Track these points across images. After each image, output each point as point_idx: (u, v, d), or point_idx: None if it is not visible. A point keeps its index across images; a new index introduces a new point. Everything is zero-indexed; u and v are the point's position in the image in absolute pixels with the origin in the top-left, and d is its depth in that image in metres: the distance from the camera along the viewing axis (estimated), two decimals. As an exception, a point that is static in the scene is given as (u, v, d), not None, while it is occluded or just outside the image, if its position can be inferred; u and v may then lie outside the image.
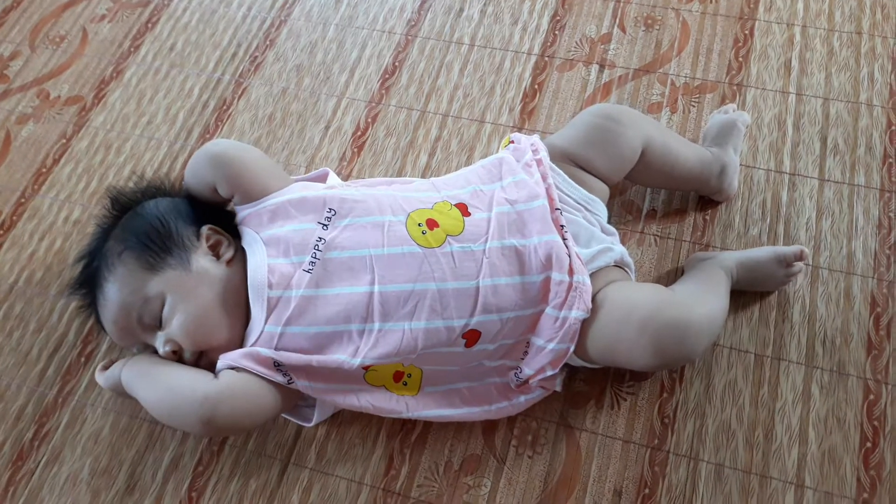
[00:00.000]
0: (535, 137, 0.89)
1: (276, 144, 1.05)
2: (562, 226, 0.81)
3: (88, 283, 0.83)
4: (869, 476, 0.78)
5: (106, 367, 0.84)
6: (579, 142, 0.87)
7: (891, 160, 0.96)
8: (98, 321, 0.84)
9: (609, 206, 0.90)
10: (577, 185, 0.85)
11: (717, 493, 0.78)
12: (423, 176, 1.00)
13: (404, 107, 1.07)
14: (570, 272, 0.78)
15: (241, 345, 0.79)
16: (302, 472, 0.83)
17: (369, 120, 1.06)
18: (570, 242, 0.80)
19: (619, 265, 0.84)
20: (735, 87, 1.04)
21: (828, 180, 0.96)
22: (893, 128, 0.99)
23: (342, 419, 0.84)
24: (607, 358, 0.80)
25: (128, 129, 1.08)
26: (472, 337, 0.78)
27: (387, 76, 1.10)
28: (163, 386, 0.76)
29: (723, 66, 1.06)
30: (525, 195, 0.82)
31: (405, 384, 0.81)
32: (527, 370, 0.80)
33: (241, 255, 0.82)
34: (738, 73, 1.05)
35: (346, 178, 1.01)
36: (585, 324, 0.77)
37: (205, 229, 0.82)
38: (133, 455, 0.85)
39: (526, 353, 0.80)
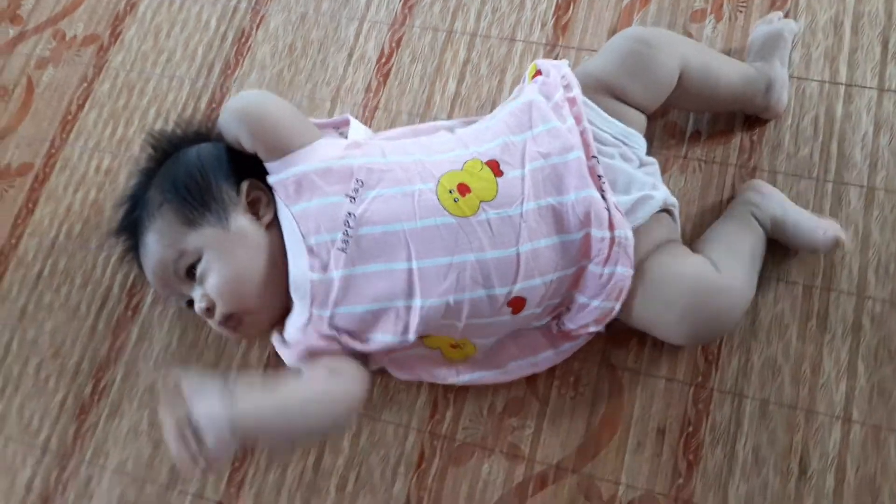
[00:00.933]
0: (565, 67, 0.83)
1: (298, 77, 1.01)
2: (599, 176, 0.76)
3: (130, 230, 0.83)
4: (918, 408, 0.77)
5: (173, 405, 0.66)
6: (612, 70, 0.81)
7: (960, 63, 0.89)
8: (140, 268, 0.84)
9: (649, 131, 0.85)
10: (613, 120, 0.80)
11: (761, 429, 0.79)
12: (452, 106, 0.96)
13: (429, 27, 1.01)
14: (612, 226, 0.75)
15: (277, 312, 0.79)
16: (337, 438, 0.85)
17: (393, 44, 1.01)
18: (609, 194, 0.76)
19: (664, 208, 0.80)
20: (788, -14, 0.95)
21: (888, 90, 0.89)
22: (965, 24, 0.90)
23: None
24: (644, 328, 0.79)
25: (148, 69, 1.05)
26: (517, 305, 0.76)
27: (409, -7, 1.03)
28: (308, 410, 0.74)
29: (775, -39, 0.97)
30: (559, 146, 0.77)
31: (461, 349, 0.80)
32: (570, 325, 0.79)
33: (277, 221, 0.81)
34: (793, -31, 0.96)
35: (373, 110, 0.98)
36: (629, 293, 0.75)
37: (245, 184, 0.80)
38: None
39: (569, 308, 0.79)
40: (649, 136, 0.85)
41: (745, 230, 0.82)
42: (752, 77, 0.87)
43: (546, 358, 0.82)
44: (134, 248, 0.83)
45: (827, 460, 0.77)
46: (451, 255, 0.74)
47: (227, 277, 0.77)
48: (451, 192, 0.76)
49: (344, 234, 0.75)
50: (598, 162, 0.77)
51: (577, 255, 0.76)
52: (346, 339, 0.77)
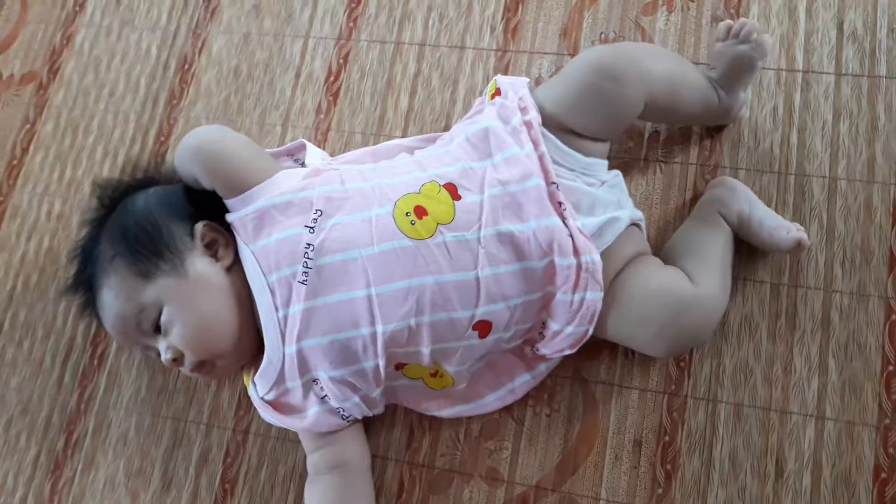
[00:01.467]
0: (523, 88, 0.80)
1: (246, 102, 0.98)
2: (559, 202, 0.75)
3: (85, 285, 0.81)
4: (891, 400, 0.77)
5: None
6: (572, 107, 0.78)
7: (916, 41, 0.87)
8: (99, 322, 0.82)
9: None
10: (571, 152, 0.78)
11: (737, 432, 0.79)
12: (406, 121, 0.94)
13: (376, 40, 0.98)
14: (577, 252, 0.74)
15: (250, 350, 0.78)
16: None
17: (340, 61, 0.98)
18: (571, 221, 0.74)
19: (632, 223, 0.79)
20: (739, -29, 0.93)
21: (845, 74, 0.87)
22: (919, -1, 0.88)
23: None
24: (620, 342, 0.79)
25: (91, 105, 1.02)
26: (483, 328, 0.75)
27: (353, 5, 1.00)
28: None
29: (724, -55, 0.94)
30: (518, 174, 0.75)
31: (441, 377, 0.79)
32: (544, 350, 0.78)
33: (239, 260, 0.78)
34: (742, -47, 0.93)
35: (325, 132, 0.95)
36: (602, 312, 0.75)
37: (199, 227, 0.77)
38: (163, 453, 0.87)
39: (542, 334, 0.78)
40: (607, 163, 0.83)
41: (714, 232, 0.81)
42: (713, 105, 0.84)
43: (523, 383, 0.82)
44: (92, 302, 0.80)
45: (803, 460, 0.77)
46: (410, 279, 0.73)
47: (193, 327, 0.75)
48: (407, 214, 0.74)
49: (304, 265, 0.74)
50: (557, 188, 0.75)
51: (541, 282, 0.74)
52: (319, 393, 0.76)
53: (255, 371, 0.78)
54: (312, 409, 0.77)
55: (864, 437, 0.77)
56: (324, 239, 0.74)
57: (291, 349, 0.74)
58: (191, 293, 0.76)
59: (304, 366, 0.75)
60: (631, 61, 0.78)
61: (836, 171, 0.84)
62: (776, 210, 0.83)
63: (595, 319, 0.75)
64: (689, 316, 0.75)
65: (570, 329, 0.75)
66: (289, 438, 0.85)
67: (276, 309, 0.74)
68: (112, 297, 0.77)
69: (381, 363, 0.74)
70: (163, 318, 0.76)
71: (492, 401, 0.81)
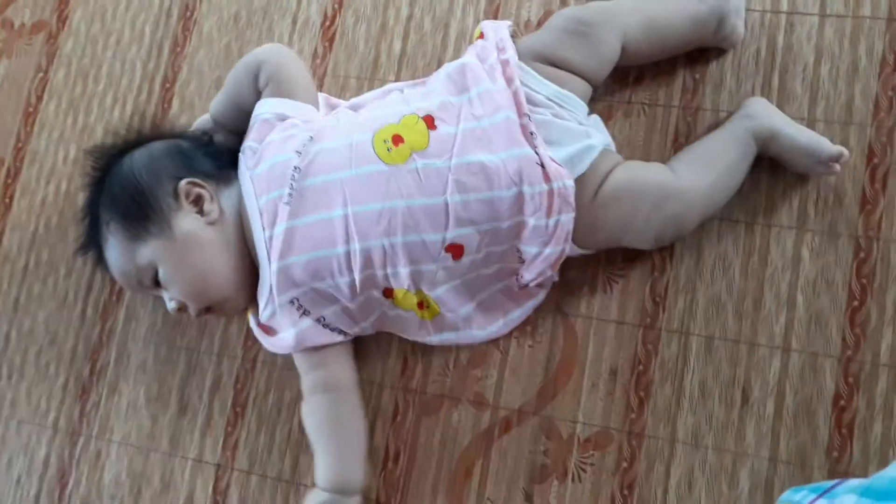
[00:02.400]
0: (504, 30, 0.84)
1: (247, 48, 1.01)
2: (531, 132, 0.79)
3: (93, 244, 0.87)
4: (854, 334, 0.82)
5: None
6: (551, 44, 0.83)
7: (902, -21, 0.87)
8: (112, 276, 0.89)
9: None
10: (546, 82, 0.82)
11: (707, 364, 0.84)
12: (399, 66, 0.97)
13: (371, -16, 1.00)
14: (547, 179, 0.78)
15: (252, 288, 0.84)
16: None
17: (336, 5, 1.01)
18: (542, 150, 0.79)
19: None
20: None
21: (829, 15, 0.88)
22: (909, -64, 0.88)
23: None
24: (611, 244, 0.84)
25: (99, 53, 1.06)
26: (455, 250, 0.81)
27: (348, -50, 1.02)
28: (358, 436, 0.88)
29: None
30: (490, 109, 0.80)
31: (427, 307, 0.85)
32: (527, 276, 0.83)
33: (235, 196, 0.85)
34: None
35: (321, 77, 0.99)
36: (594, 217, 0.80)
37: (182, 185, 0.83)
38: (179, 380, 0.95)
39: (522, 260, 0.83)
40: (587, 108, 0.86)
41: (727, 141, 0.83)
42: (703, 17, 0.86)
43: (513, 318, 0.87)
44: (101, 259, 0.87)
45: (767, 388, 0.82)
46: (383, 201, 0.79)
47: (188, 282, 0.82)
48: (385, 141, 0.80)
49: (290, 187, 0.80)
50: (530, 119, 0.80)
51: (510, 210, 0.79)
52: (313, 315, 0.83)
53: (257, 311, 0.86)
54: (299, 325, 0.83)
55: (826, 367, 0.82)
56: (309, 162, 0.80)
57: (275, 266, 0.81)
58: (181, 252, 0.82)
59: (288, 282, 0.81)
60: (600, 9, 0.85)
61: (815, 114, 0.87)
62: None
63: (569, 238, 0.80)
64: (669, 205, 0.80)
65: (548, 250, 0.80)
66: (293, 368, 0.92)
67: (263, 229, 0.81)
68: (113, 258, 0.84)
69: (358, 278, 0.80)
70: (160, 276, 0.83)
71: (482, 334, 0.87)
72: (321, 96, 0.91)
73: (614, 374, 0.86)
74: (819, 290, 0.83)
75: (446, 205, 0.78)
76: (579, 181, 0.80)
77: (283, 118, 0.84)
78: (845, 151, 0.81)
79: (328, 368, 0.86)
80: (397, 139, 0.80)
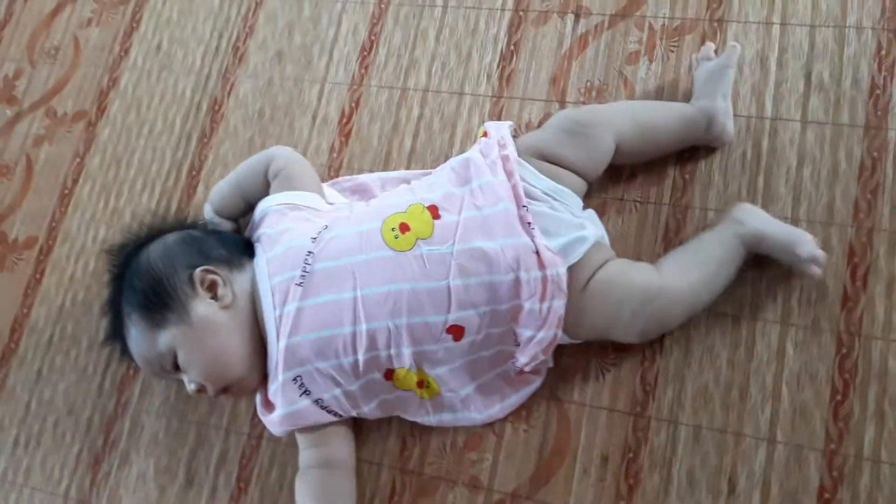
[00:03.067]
0: (505, 129, 0.92)
1: (269, 142, 1.09)
2: (528, 223, 0.85)
3: (116, 337, 0.93)
4: (837, 427, 0.84)
5: None
6: (549, 142, 0.91)
7: (878, 91, 0.93)
8: (136, 364, 0.94)
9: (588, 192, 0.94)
10: (543, 177, 0.88)
11: (695, 452, 0.86)
12: (409, 161, 1.04)
13: (385, 86, 1.08)
14: (542, 266, 0.83)
15: (263, 370, 0.89)
16: None
17: (353, 104, 1.09)
18: (538, 239, 0.84)
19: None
20: (716, 24, 1.00)
21: (811, 122, 0.94)
22: (883, 52, 0.95)
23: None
24: (598, 335, 0.88)
25: (132, 141, 1.15)
26: (456, 332, 0.85)
27: (365, 53, 1.11)
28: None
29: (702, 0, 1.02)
30: (491, 200, 0.86)
31: (427, 386, 0.89)
32: (522, 359, 0.87)
33: (248, 279, 0.90)
34: (719, 7, 1.01)
35: (337, 169, 1.06)
36: (582, 307, 0.84)
37: (197, 273, 0.89)
38: (187, 453, 0.99)
39: (517, 343, 0.87)
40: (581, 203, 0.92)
41: (715, 244, 0.87)
42: (692, 117, 0.93)
43: (510, 404, 0.91)
44: (125, 350, 0.93)
45: (754, 479, 0.84)
46: (389, 284, 0.84)
47: (205, 364, 0.87)
48: (393, 229, 0.86)
49: (303, 270, 0.86)
50: (527, 210, 0.86)
51: (508, 294, 0.84)
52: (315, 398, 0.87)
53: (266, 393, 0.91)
54: (296, 405, 0.87)
55: (811, 460, 0.84)
56: (322, 248, 0.86)
57: (283, 343, 0.85)
58: (198, 336, 0.87)
59: (294, 359, 0.86)
60: (599, 111, 0.94)
61: (798, 213, 0.91)
62: (740, 248, 0.91)
63: (561, 323, 0.84)
64: (653, 304, 0.84)
65: (541, 334, 0.84)
66: (297, 445, 0.96)
67: (274, 308, 0.86)
68: (135, 347, 0.90)
69: (361, 359, 0.85)
70: (179, 360, 0.88)
71: (479, 417, 0.91)
72: (324, 185, 0.98)
73: (605, 461, 0.88)
74: (803, 384, 0.86)
75: (449, 288, 0.83)
76: (572, 270, 0.85)
77: (293, 208, 0.91)
78: (820, 256, 0.84)
79: (328, 447, 0.90)
80: (404, 227, 0.86)
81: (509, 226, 0.85)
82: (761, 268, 0.90)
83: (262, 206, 0.94)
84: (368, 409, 0.90)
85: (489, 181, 0.87)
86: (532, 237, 0.84)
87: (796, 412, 0.85)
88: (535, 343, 0.85)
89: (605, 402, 0.90)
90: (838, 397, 0.85)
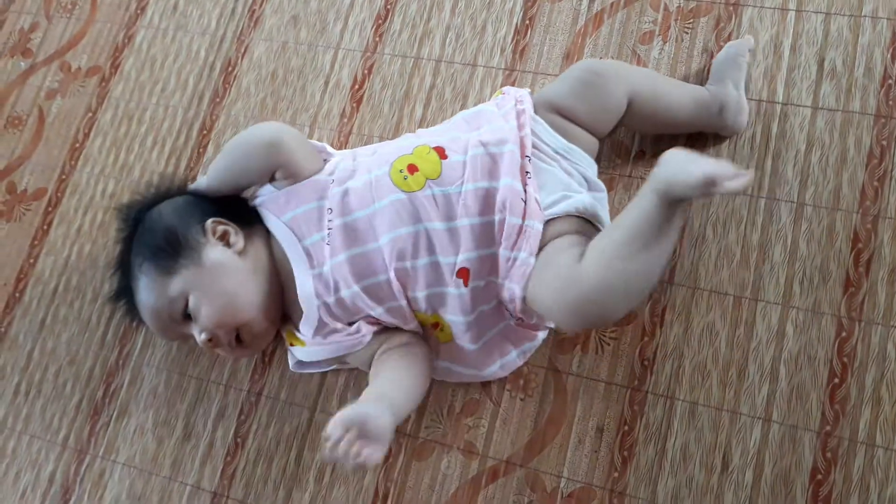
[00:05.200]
0: (525, 91, 0.92)
1: (280, 104, 1.10)
2: (527, 172, 0.85)
3: (125, 294, 0.94)
4: (833, 410, 0.85)
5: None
6: (563, 93, 0.91)
7: (890, 81, 0.94)
8: (142, 323, 0.94)
9: (598, 154, 0.94)
10: (556, 134, 0.89)
11: (690, 428, 0.87)
12: (418, 128, 1.04)
13: (398, 55, 1.09)
14: (524, 216, 0.84)
15: (275, 319, 0.90)
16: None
17: (365, 71, 1.09)
18: (531, 188, 0.85)
19: (585, 217, 0.86)
20: (731, 7, 1.00)
21: (821, 108, 0.94)
22: (898, 42, 0.95)
23: (359, 371, 0.96)
24: (540, 310, 0.83)
25: (145, 98, 1.15)
26: (465, 275, 0.85)
27: (380, 21, 1.11)
28: (419, 390, 0.88)
29: (721, -18, 1.02)
30: (496, 139, 0.87)
31: (442, 330, 0.90)
32: (506, 300, 0.86)
33: (259, 236, 0.91)
34: (737, -9, 1.01)
35: (347, 135, 1.06)
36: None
37: (209, 223, 0.90)
38: (186, 407, 0.99)
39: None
40: (597, 157, 0.93)
41: (634, 207, 0.77)
42: (705, 100, 0.93)
43: (511, 360, 0.91)
44: (132, 308, 0.93)
45: (747, 457, 0.85)
46: (405, 226, 0.85)
47: (216, 304, 0.87)
48: (401, 171, 0.87)
49: (328, 228, 0.87)
50: (529, 161, 0.86)
51: (498, 236, 0.84)
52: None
53: (295, 327, 0.91)
54: (358, 325, 0.89)
55: (805, 440, 0.84)
56: (337, 203, 0.87)
57: (331, 298, 0.87)
58: (211, 277, 0.88)
59: (341, 310, 0.87)
60: (615, 65, 0.94)
61: (804, 198, 0.92)
62: (744, 230, 0.91)
63: (524, 280, 0.82)
64: (572, 291, 0.77)
65: (507, 284, 0.84)
66: (295, 402, 0.96)
67: (312, 268, 0.87)
68: (145, 296, 0.89)
69: (404, 303, 0.86)
70: (190, 305, 0.88)
71: (481, 374, 0.91)
72: (320, 145, 0.97)
73: (600, 432, 0.89)
74: (801, 365, 0.87)
75: (458, 229, 0.84)
76: (548, 225, 0.84)
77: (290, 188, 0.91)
78: (718, 172, 0.68)
79: (402, 335, 0.90)
80: (412, 168, 0.87)
81: (509, 168, 0.85)
82: (764, 250, 0.90)
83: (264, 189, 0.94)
84: (412, 325, 0.89)
85: (500, 125, 0.88)
86: (525, 185, 0.85)
87: (793, 393, 0.86)
88: (504, 290, 0.85)
89: (602, 375, 0.91)
90: (836, 380, 0.86)
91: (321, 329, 0.89)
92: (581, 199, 0.87)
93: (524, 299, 0.84)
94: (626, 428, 0.88)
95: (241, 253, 0.90)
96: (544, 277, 0.81)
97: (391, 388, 0.84)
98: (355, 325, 0.89)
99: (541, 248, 0.83)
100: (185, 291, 0.87)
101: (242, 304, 0.88)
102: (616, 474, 0.87)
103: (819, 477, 0.83)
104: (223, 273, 0.88)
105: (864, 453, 0.83)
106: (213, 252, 0.89)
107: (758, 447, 0.85)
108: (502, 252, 0.84)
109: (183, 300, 0.88)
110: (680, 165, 0.72)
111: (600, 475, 0.87)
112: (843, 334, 0.87)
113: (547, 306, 0.81)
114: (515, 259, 0.83)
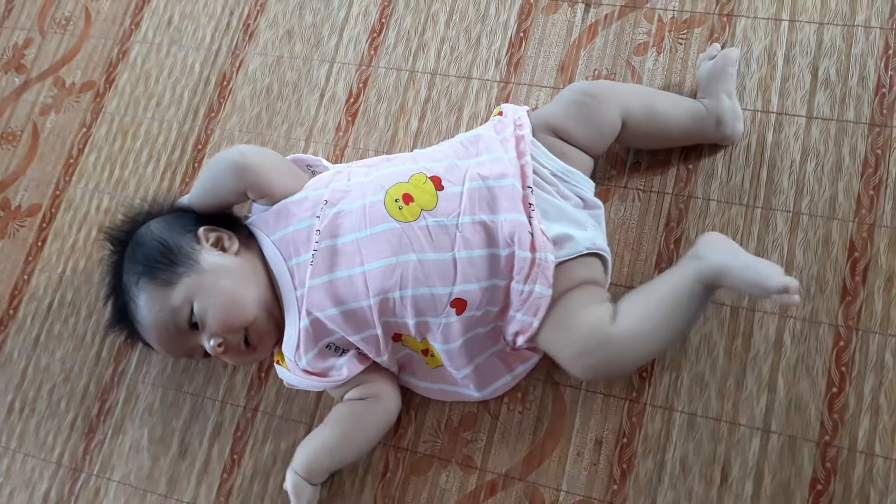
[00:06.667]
0: (523, 111, 0.92)
1: (275, 118, 1.10)
2: (530, 204, 0.85)
3: (122, 318, 0.93)
4: (832, 420, 0.84)
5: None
6: (559, 115, 0.91)
7: (884, 90, 0.94)
8: (146, 345, 0.94)
9: (594, 167, 0.94)
10: (555, 158, 0.89)
11: (688, 440, 0.87)
12: (414, 143, 1.04)
13: (393, 68, 1.09)
14: (533, 248, 0.84)
15: (277, 321, 0.89)
16: None
17: (360, 85, 1.09)
18: (535, 221, 0.85)
19: (593, 253, 0.87)
20: (725, 18, 1.01)
21: (816, 117, 0.95)
22: (891, 51, 0.95)
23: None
24: (550, 354, 0.87)
25: (139, 113, 1.15)
26: (459, 305, 0.85)
27: (374, 35, 1.11)
28: (368, 442, 0.91)
29: (714, -6, 1.02)
30: (497, 172, 0.86)
31: (432, 356, 0.90)
32: (509, 336, 0.87)
33: (253, 248, 0.91)
34: (729, 2, 1.01)
35: (342, 148, 1.06)
36: (541, 322, 0.84)
37: (201, 231, 0.90)
38: (181, 424, 0.99)
39: (505, 320, 0.87)
40: (592, 171, 0.93)
41: (673, 285, 0.83)
42: (701, 114, 0.93)
43: (504, 383, 0.91)
44: (132, 331, 0.93)
45: (747, 468, 0.84)
46: (396, 256, 0.84)
47: (222, 305, 0.86)
48: (396, 200, 0.86)
49: (314, 249, 0.86)
50: (531, 192, 0.86)
51: (505, 269, 0.84)
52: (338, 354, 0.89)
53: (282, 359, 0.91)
54: (340, 360, 0.88)
55: (804, 451, 0.84)
56: (328, 225, 0.86)
57: (306, 322, 0.86)
58: (211, 279, 0.88)
59: (319, 332, 0.87)
60: (609, 86, 0.95)
61: (800, 207, 0.92)
62: (741, 240, 0.91)
63: (540, 313, 0.83)
64: (600, 352, 0.81)
65: (519, 315, 0.84)
66: (292, 419, 0.96)
67: (295, 288, 0.87)
68: (147, 312, 0.88)
69: (379, 332, 0.86)
70: (196, 311, 0.87)
71: (476, 395, 0.91)
72: (315, 159, 0.97)
73: (599, 445, 0.88)
74: (799, 375, 0.86)
75: (455, 260, 0.84)
76: (560, 269, 0.84)
77: (280, 207, 0.91)
78: (792, 284, 0.74)
79: (373, 384, 0.90)
80: (407, 198, 0.86)
81: (512, 201, 0.85)
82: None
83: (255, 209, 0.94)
84: (384, 359, 0.89)
85: (499, 156, 0.88)
86: (530, 218, 0.85)
87: (791, 403, 0.86)
88: (515, 322, 0.85)
89: (600, 387, 0.90)
90: (834, 390, 0.85)
91: (298, 349, 0.88)
92: (585, 238, 0.86)
93: (534, 334, 0.84)
94: (625, 440, 0.88)
95: (237, 254, 0.90)
96: (568, 328, 0.83)
97: (340, 442, 0.89)
98: (330, 362, 0.88)
99: (557, 289, 0.84)
100: (188, 298, 0.87)
101: (247, 302, 0.88)
102: (615, 487, 0.87)
103: (819, 487, 0.83)
104: (224, 274, 0.88)
105: (864, 463, 0.83)
106: (211, 256, 0.89)
107: (757, 458, 0.85)
108: (514, 286, 0.84)
109: (188, 308, 0.87)
110: (751, 269, 0.78)
111: (599, 488, 0.87)
112: (841, 343, 0.87)
113: (564, 355, 0.84)
114: (531, 292, 0.83)
